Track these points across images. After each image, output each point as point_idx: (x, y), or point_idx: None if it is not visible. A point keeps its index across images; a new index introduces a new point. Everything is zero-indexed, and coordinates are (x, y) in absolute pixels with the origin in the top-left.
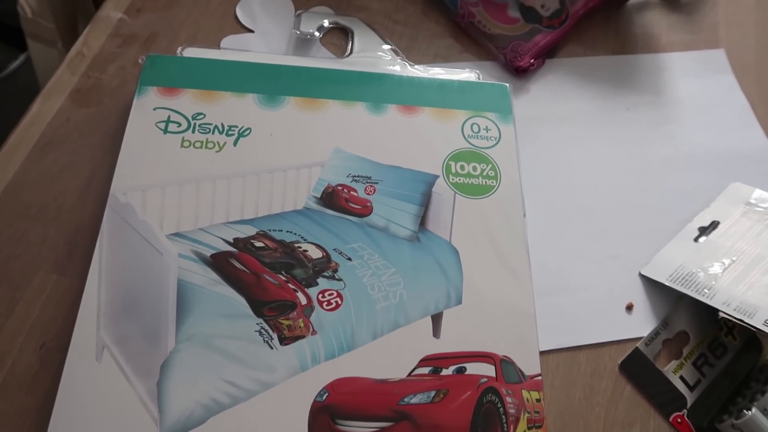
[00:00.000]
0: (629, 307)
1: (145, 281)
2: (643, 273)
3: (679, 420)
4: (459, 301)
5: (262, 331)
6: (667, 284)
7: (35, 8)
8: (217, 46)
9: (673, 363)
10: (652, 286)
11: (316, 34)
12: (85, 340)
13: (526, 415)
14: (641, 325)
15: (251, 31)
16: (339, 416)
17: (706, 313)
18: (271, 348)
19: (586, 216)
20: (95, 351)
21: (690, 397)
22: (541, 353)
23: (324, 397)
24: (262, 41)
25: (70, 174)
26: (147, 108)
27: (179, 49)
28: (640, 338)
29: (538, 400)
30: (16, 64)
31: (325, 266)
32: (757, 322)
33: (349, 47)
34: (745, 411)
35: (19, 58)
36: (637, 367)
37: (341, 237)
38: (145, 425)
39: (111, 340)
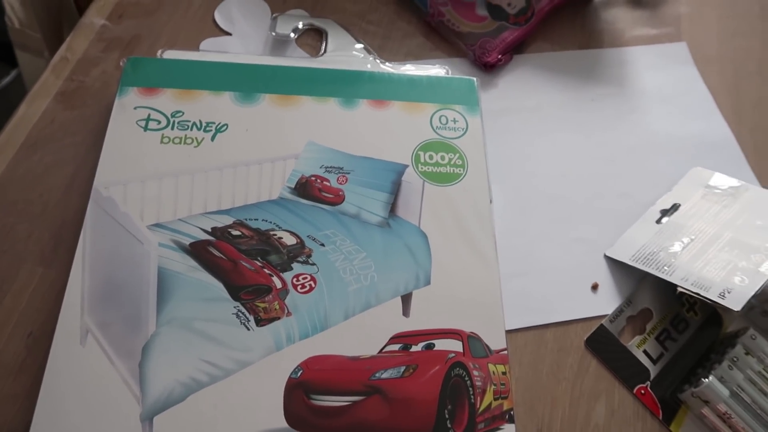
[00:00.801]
0: (594, 287)
1: (127, 269)
2: (607, 254)
3: (642, 391)
4: (428, 282)
5: (239, 313)
6: (630, 264)
7: (22, 19)
8: (197, 49)
9: (637, 338)
10: (616, 266)
11: (292, 35)
12: (69, 325)
13: (493, 387)
14: (606, 303)
15: (229, 34)
16: (313, 391)
17: (668, 291)
18: (248, 329)
19: (552, 202)
20: (79, 335)
21: (653, 370)
22: (509, 332)
23: (299, 374)
24: (240, 43)
25: (55, 172)
26: (128, 107)
27: (159, 51)
28: (605, 316)
29: (504, 373)
30: (7, 80)
31: (299, 252)
32: (712, 295)
33: (323, 47)
34: (703, 379)
35: (10, 74)
36: (602, 342)
37: (315, 224)
38: (128, 404)
39: (94, 325)
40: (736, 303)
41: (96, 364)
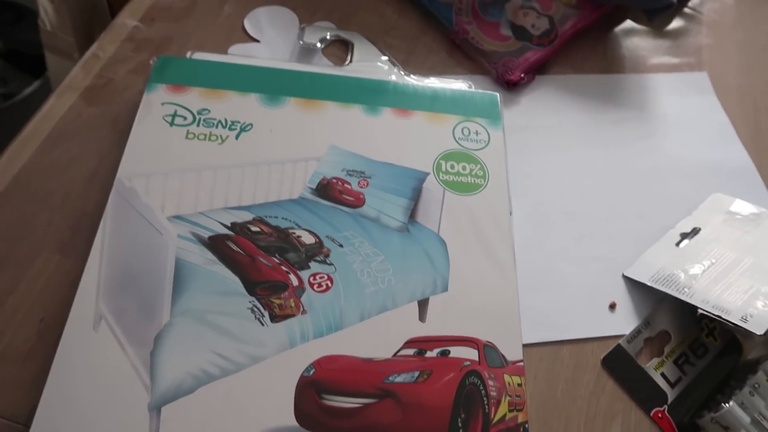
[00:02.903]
0: (612, 306)
1: (145, 259)
2: (626, 274)
3: (659, 415)
4: (445, 289)
5: (254, 308)
6: (649, 284)
7: (54, 22)
8: (225, 53)
9: (655, 360)
10: (634, 287)
11: (319, 45)
12: (83, 310)
13: (508, 398)
14: (624, 323)
15: (257, 41)
16: (325, 391)
17: (687, 314)
18: (262, 325)
19: (571, 219)
20: (93, 321)
21: (671, 394)
22: (525, 346)
23: (311, 372)
24: (268, 50)
25: (78, 165)
26: (155, 103)
27: (188, 53)
28: (622, 336)
29: (519, 385)
30: (30, 90)
31: (317, 251)
32: (734, 318)
33: (349, 58)
34: (723, 404)
35: (33, 84)
36: (619, 362)
37: (334, 225)
38: (137, 392)
39: (108, 312)
40: (758, 327)
41: (107, 350)
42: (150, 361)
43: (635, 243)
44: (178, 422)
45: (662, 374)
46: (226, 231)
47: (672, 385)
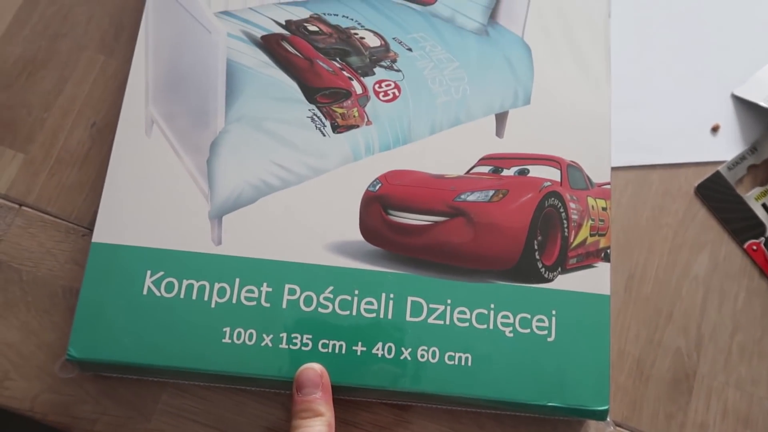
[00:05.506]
0: (715, 129)
1: (193, 59)
2: (735, 93)
3: (754, 247)
4: (527, 102)
5: (315, 117)
6: (763, 105)
7: None
8: None
9: (757, 190)
10: (744, 108)
11: None
12: (133, 114)
13: (590, 222)
14: (726, 148)
15: None
16: (392, 207)
17: None
18: (324, 135)
19: (677, 25)
20: (144, 125)
21: None
22: (612, 169)
23: (377, 187)
24: None
25: None
26: None
27: None
28: (723, 162)
29: (603, 209)
30: None
31: (383, 55)
32: None
33: None
34: None
35: None
36: (715, 190)
37: (402, 26)
38: (196, 198)
39: (160, 115)
40: None
41: (162, 156)
42: (207, 169)
43: (751, 57)
44: (240, 233)
45: (763, 205)
46: (280, 30)
47: None
